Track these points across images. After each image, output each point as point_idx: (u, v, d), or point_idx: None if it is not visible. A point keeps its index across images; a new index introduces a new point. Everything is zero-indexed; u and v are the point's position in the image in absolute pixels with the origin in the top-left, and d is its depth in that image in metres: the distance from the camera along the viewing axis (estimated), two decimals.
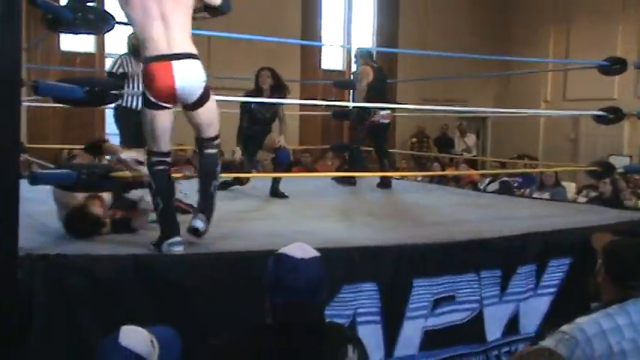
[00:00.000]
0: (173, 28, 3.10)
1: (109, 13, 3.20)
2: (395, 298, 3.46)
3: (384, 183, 6.49)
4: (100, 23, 3.01)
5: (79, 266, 2.82)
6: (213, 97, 3.36)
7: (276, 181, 5.73)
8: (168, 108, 3.20)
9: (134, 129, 5.39)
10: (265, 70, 5.69)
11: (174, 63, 3.09)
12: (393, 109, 7.99)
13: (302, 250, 1.93)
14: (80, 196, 3.47)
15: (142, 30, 3.11)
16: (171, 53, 3.09)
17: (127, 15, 3.14)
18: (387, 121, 6.73)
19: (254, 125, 5.70)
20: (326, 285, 1.95)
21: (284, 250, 1.94)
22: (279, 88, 5.66)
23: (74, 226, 3.47)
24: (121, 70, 5.46)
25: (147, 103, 3.19)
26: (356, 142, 6.83)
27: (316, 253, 1.95)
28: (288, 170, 5.87)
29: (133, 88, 5.38)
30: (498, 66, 13.01)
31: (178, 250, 3.18)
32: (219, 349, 1.89)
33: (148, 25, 3.08)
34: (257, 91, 5.65)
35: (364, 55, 6.88)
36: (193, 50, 3.18)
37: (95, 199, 3.55)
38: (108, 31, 3.18)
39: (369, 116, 6.52)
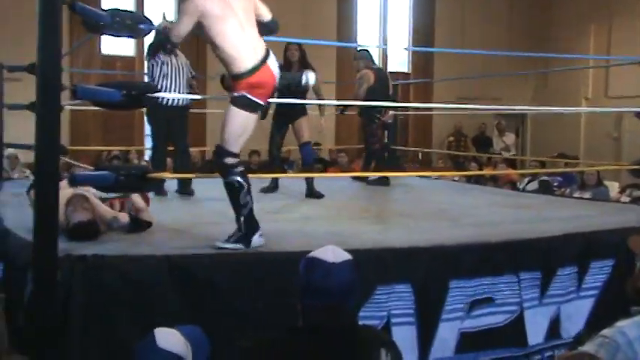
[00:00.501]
0: (252, 33, 3.34)
1: (146, 18, 3.24)
2: (430, 300, 3.42)
3: (382, 180, 6.45)
4: (138, 27, 3.06)
5: (116, 267, 2.87)
6: None
7: (310, 181, 5.72)
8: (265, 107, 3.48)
9: (165, 127, 5.51)
10: (293, 44, 5.67)
11: (270, 62, 3.34)
12: (427, 109, 7.91)
13: (334, 254, 1.91)
14: (63, 200, 3.35)
15: (235, 42, 3.26)
16: (263, 56, 3.33)
17: (219, 31, 3.23)
18: (390, 120, 6.88)
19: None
20: (358, 288, 1.94)
21: (315, 253, 1.93)
22: (305, 63, 5.63)
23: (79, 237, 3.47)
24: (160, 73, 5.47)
25: (249, 106, 3.30)
26: (378, 142, 6.79)
27: (348, 256, 1.93)
28: (318, 169, 5.87)
29: (171, 86, 5.44)
30: (537, 63, 12.82)
31: (263, 241, 3.40)
32: (251, 351, 1.89)
33: (241, 37, 3.27)
34: (286, 65, 5.58)
35: (364, 58, 6.86)
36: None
37: (81, 201, 3.55)
38: (146, 34, 3.23)
39: (379, 115, 6.60)
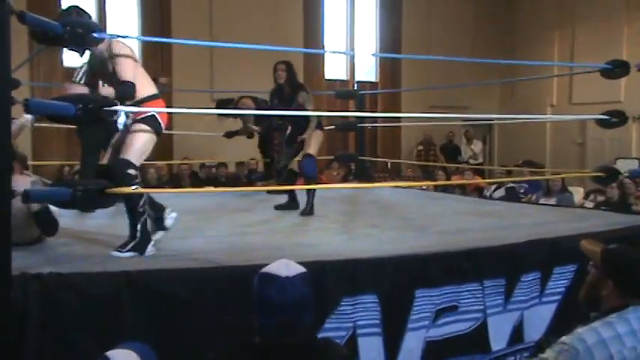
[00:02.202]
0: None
1: (98, 26, 3.19)
2: (396, 310, 3.41)
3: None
4: (90, 37, 3.00)
5: (73, 284, 2.79)
6: None
7: (310, 197, 5.36)
8: None
9: (101, 140, 5.37)
10: (280, 63, 5.54)
11: None
12: (396, 118, 7.91)
13: (287, 267, 1.87)
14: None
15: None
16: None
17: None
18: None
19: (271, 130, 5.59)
20: (313, 302, 1.89)
21: (268, 268, 1.89)
22: (295, 85, 5.51)
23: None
24: None
25: (159, 130, 3.71)
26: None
27: (302, 269, 1.89)
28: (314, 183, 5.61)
29: None
30: (502, 71, 12.98)
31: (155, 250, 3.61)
32: None
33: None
34: (276, 88, 5.57)
35: None
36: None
37: None
38: (98, 44, 3.17)
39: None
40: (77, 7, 3.47)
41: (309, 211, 5.34)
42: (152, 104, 3.71)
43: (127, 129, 3.66)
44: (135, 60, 3.68)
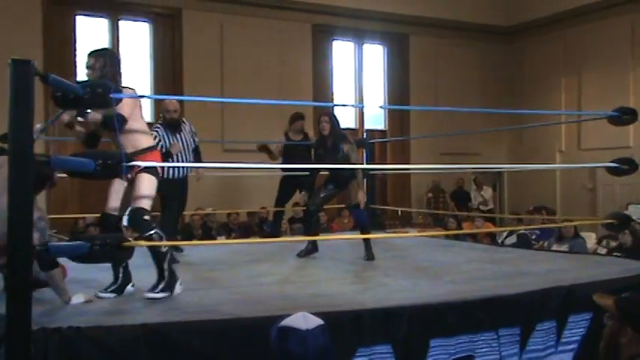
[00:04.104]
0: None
1: (116, 87, 3.29)
2: (411, 359, 3.40)
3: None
4: (109, 98, 3.09)
5: (92, 337, 2.82)
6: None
7: (367, 244, 5.60)
8: None
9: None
10: (323, 115, 5.77)
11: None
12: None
13: (305, 320, 1.90)
14: None
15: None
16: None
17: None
18: None
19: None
20: (332, 353, 1.92)
21: (287, 322, 1.92)
22: (337, 135, 5.68)
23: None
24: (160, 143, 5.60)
25: (158, 178, 3.91)
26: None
27: (320, 322, 1.93)
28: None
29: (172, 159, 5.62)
30: (511, 118, 13.07)
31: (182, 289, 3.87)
32: None
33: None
34: (320, 138, 5.74)
35: None
36: None
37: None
38: (117, 104, 3.27)
39: None
40: (109, 49, 3.68)
41: (370, 256, 5.55)
42: (152, 156, 3.90)
43: (131, 179, 3.84)
44: (135, 104, 3.83)
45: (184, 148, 5.73)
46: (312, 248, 5.79)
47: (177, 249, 5.70)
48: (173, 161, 5.62)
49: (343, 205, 9.69)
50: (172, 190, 5.62)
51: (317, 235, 5.84)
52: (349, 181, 5.67)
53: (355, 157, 5.75)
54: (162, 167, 4.12)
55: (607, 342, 2.36)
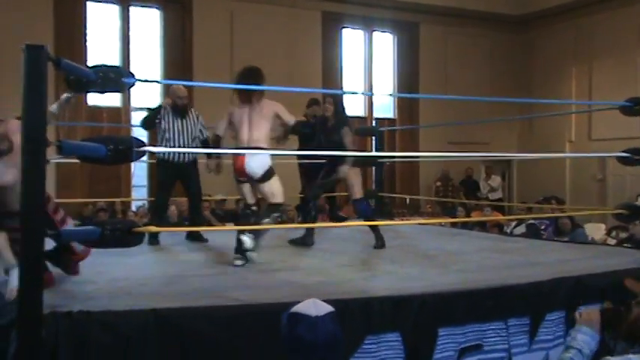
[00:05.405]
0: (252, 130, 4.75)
1: (129, 71, 3.29)
2: (419, 348, 3.41)
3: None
4: (122, 81, 3.09)
5: (102, 322, 2.84)
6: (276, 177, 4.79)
7: (376, 231, 5.59)
8: (242, 182, 4.85)
9: (172, 176, 5.86)
10: (327, 97, 5.77)
11: (247, 153, 4.64)
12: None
13: (315, 307, 1.91)
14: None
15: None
16: (246, 146, 4.68)
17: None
18: None
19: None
20: (343, 341, 1.92)
21: (298, 308, 1.92)
22: (340, 118, 5.64)
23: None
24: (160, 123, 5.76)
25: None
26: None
27: (330, 308, 1.93)
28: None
29: (168, 141, 5.69)
30: (521, 107, 13.01)
31: None
32: None
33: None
34: (322, 119, 5.72)
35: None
36: (264, 145, 4.71)
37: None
38: (130, 87, 3.27)
39: None
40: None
41: (381, 244, 5.56)
42: None
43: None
44: None
45: (183, 132, 5.77)
46: (306, 239, 5.71)
47: (202, 239, 5.86)
48: (170, 145, 5.69)
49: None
50: (167, 173, 5.81)
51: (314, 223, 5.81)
52: (338, 163, 5.49)
53: (349, 142, 5.53)
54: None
55: (632, 327, 2.37)
